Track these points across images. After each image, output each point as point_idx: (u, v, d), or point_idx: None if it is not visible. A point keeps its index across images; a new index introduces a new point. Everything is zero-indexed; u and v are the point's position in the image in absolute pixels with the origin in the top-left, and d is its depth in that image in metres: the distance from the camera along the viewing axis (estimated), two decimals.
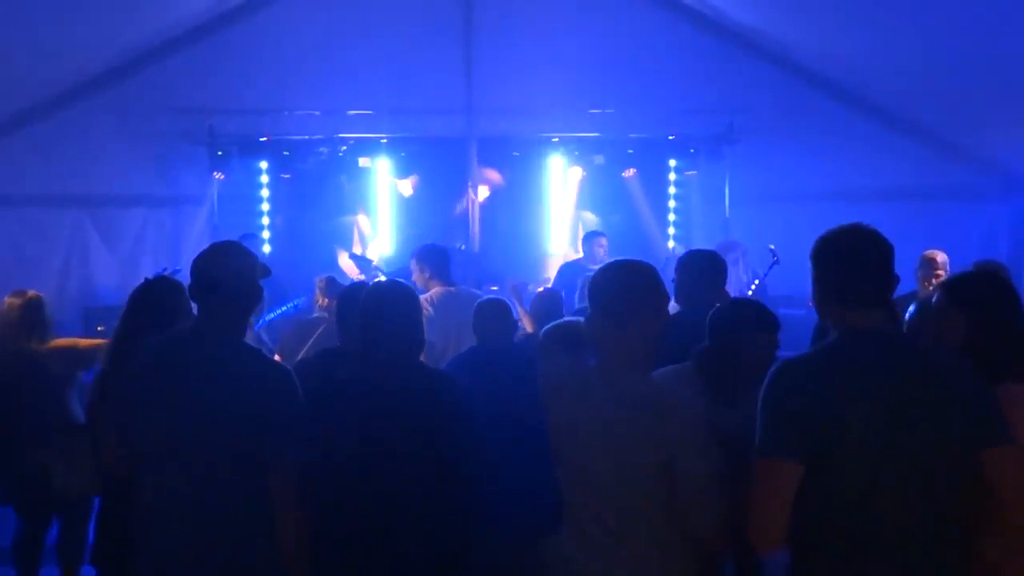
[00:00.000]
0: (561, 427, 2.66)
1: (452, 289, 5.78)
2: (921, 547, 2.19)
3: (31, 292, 4.97)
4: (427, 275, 5.81)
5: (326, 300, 5.90)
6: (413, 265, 5.94)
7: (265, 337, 6.47)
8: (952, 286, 2.79)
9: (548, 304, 5.16)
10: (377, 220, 9.03)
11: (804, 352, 2.39)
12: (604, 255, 7.58)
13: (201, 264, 2.85)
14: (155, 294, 3.69)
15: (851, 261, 2.33)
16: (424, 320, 4.55)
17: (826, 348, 2.33)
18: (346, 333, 3.67)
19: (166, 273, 5.18)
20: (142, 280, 3.89)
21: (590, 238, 8.18)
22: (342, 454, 2.89)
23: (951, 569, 2.23)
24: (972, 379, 2.30)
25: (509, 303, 4.66)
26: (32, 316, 4.85)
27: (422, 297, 5.54)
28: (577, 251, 8.92)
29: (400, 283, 3.31)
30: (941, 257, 6.28)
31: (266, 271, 3.02)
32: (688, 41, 8.80)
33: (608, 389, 2.62)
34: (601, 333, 2.68)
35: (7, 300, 4.94)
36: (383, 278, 5.39)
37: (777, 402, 2.25)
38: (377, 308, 3.06)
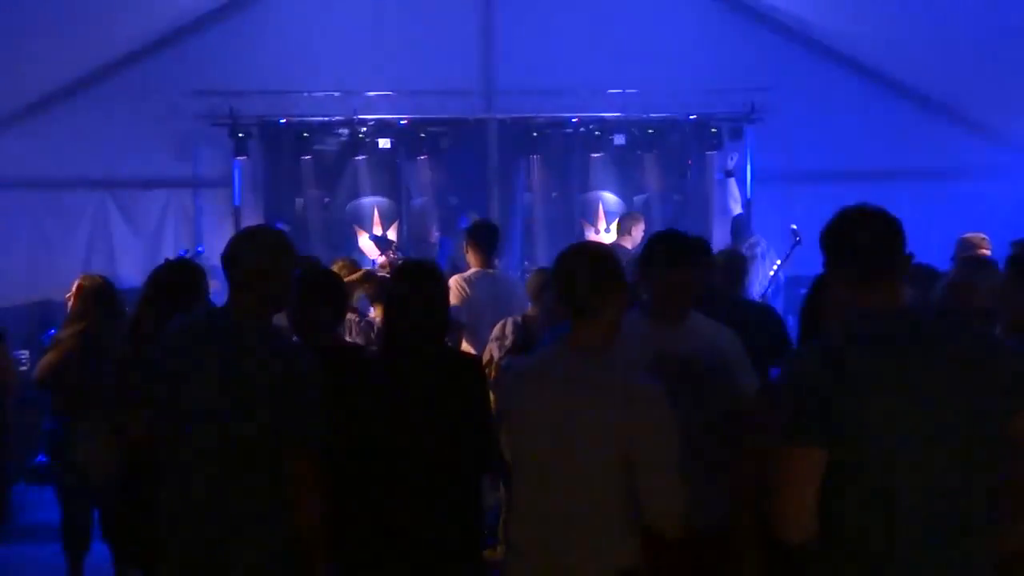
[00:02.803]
0: (521, 411, 2.65)
1: (491, 271, 5.66)
2: (949, 531, 2.15)
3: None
4: (466, 252, 5.75)
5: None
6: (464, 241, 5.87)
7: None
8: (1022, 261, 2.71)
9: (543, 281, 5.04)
10: (396, 201, 9.03)
11: (822, 338, 2.33)
12: (640, 236, 7.44)
13: (232, 246, 2.85)
14: (175, 275, 3.70)
15: (857, 241, 2.29)
16: (460, 301, 4.53)
17: (844, 331, 2.27)
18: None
19: (188, 255, 5.22)
20: (164, 261, 3.91)
21: (627, 219, 7.92)
22: (364, 436, 2.90)
23: (979, 554, 2.18)
24: (999, 346, 2.26)
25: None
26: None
27: (459, 278, 5.52)
28: (598, 232, 8.90)
29: (425, 264, 3.29)
30: (979, 239, 6.23)
31: (312, 264, 2.99)
32: (709, 20, 8.74)
33: (570, 373, 2.57)
34: (573, 322, 2.63)
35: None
36: (424, 260, 5.35)
37: (799, 389, 2.21)
38: (401, 290, 3.06)
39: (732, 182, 8.62)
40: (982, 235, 6.33)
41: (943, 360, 2.17)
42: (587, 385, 2.53)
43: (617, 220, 8.19)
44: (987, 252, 6.14)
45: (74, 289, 4.87)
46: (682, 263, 3.18)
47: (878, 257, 2.27)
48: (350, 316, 5.54)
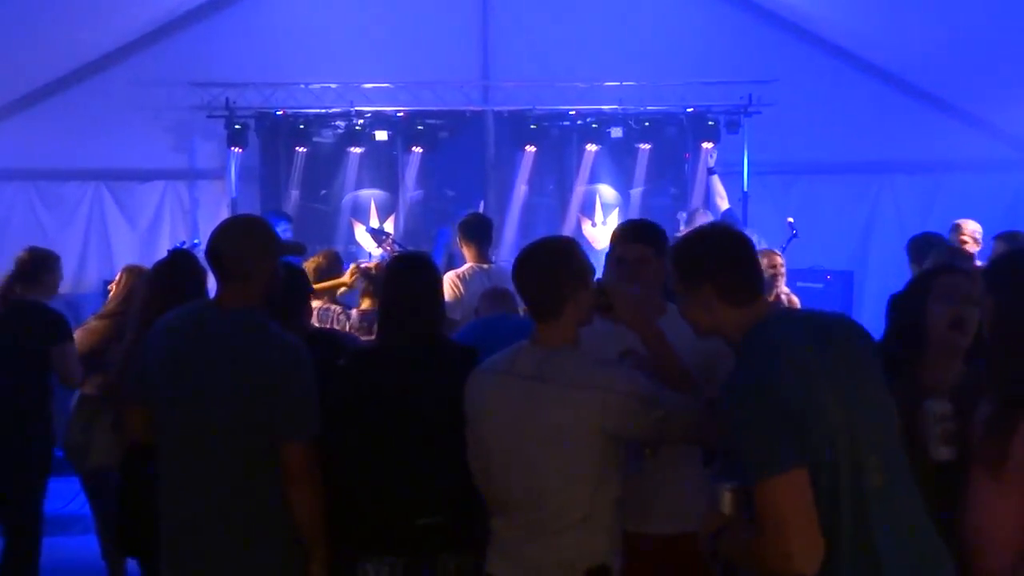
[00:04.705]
0: (485, 410, 2.62)
1: (485, 266, 5.56)
2: (907, 509, 2.14)
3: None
4: (460, 247, 5.68)
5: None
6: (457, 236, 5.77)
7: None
8: (990, 270, 2.64)
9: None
10: (394, 193, 9.03)
11: (749, 360, 2.19)
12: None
13: (215, 238, 2.85)
14: (179, 267, 3.70)
15: (737, 258, 2.27)
16: (454, 299, 4.47)
17: (766, 345, 2.17)
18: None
19: (185, 247, 5.19)
20: (163, 253, 3.91)
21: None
22: (357, 426, 2.90)
23: (930, 525, 2.18)
24: (864, 334, 2.29)
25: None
26: None
27: (453, 274, 5.49)
28: (595, 224, 8.90)
29: (418, 256, 3.30)
30: (971, 227, 6.19)
31: (299, 249, 2.99)
32: (707, 13, 8.74)
33: (534, 371, 2.52)
34: (535, 323, 2.58)
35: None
36: (417, 251, 5.31)
37: (766, 414, 2.07)
38: (395, 281, 3.07)
39: (715, 179, 8.61)
40: (975, 225, 6.30)
41: (841, 351, 2.18)
42: (550, 383, 2.49)
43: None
44: (969, 243, 6.11)
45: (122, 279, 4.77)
46: (641, 239, 3.02)
47: (757, 272, 2.30)
48: (333, 307, 5.51)
